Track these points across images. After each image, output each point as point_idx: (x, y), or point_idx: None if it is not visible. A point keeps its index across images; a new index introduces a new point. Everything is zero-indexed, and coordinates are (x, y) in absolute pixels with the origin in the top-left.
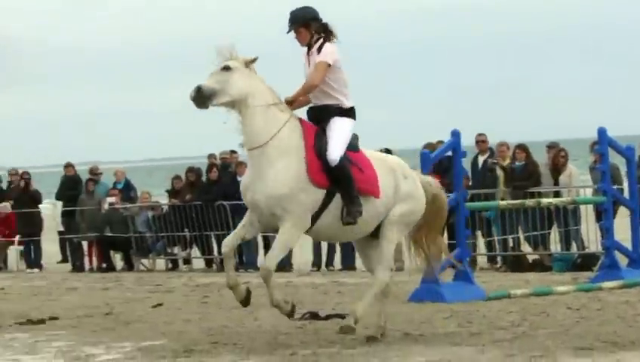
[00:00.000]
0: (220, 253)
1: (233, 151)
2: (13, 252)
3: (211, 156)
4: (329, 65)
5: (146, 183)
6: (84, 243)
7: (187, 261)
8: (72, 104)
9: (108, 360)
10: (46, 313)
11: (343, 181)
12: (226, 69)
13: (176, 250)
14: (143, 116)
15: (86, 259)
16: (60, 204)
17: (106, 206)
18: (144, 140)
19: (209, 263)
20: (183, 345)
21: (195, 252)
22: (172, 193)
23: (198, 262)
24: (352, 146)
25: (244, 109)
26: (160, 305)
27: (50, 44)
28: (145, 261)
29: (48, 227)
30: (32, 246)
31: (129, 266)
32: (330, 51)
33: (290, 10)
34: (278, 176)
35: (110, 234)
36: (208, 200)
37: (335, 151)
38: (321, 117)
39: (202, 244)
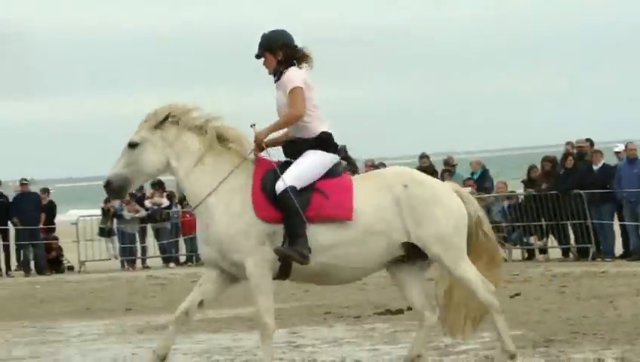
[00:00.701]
0: (576, 241)
1: (589, 140)
2: None
3: (568, 144)
4: (302, 89)
5: (502, 173)
6: None
7: (543, 250)
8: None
9: (467, 350)
10: (404, 303)
11: (283, 213)
12: (132, 146)
13: (532, 239)
14: (495, 104)
15: None
16: None
17: None
18: (500, 129)
19: (565, 253)
20: (542, 335)
21: (552, 241)
22: (528, 182)
23: (555, 252)
24: (332, 172)
25: (174, 174)
26: (517, 295)
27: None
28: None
29: None
30: None
31: None
32: (296, 75)
33: (262, 33)
34: (222, 220)
35: None
36: (564, 189)
37: (280, 183)
38: (293, 151)
39: (558, 234)
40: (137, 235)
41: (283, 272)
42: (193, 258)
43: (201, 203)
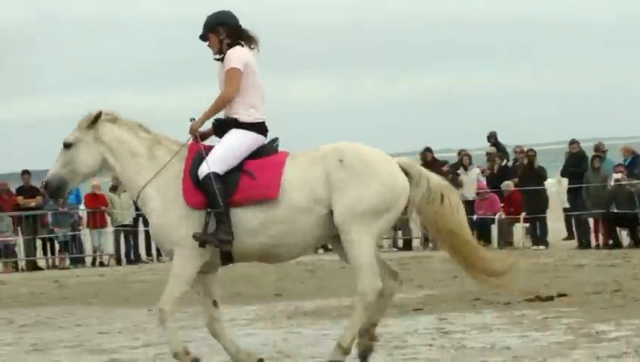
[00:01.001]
0: None
1: None
2: (519, 229)
3: None
4: (241, 72)
5: None
6: (590, 220)
7: None
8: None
9: (618, 337)
10: (554, 290)
11: (206, 197)
12: (67, 147)
13: None
14: None
15: (592, 236)
16: (565, 181)
17: (611, 182)
18: None
19: None
20: None
21: None
22: None
23: None
24: (263, 151)
25: (112, 170)
26: None
27: None
28: None
29: (554, 204)
30: (537, 224)
31: (636, 243)
32: (237, 56)
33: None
34: (156, 209)
35: (616, 211)
36: None
37: (203, 167)
38: (220, 131)
39: None
40: None
41: (225, 256)
42: None
43: (139, 195)
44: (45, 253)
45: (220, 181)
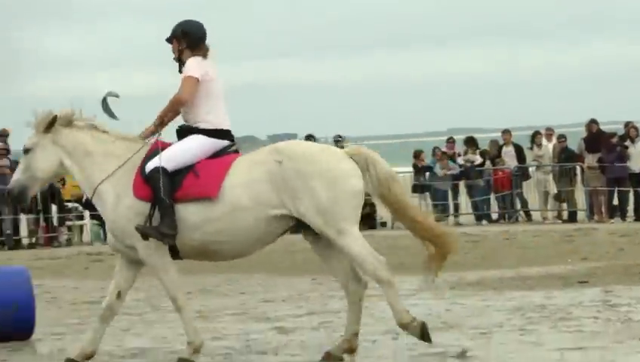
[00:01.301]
0: None
1: None
2: None
3: None
4: (198, 80)
5: None
6: None
7: None
8: None
9: None
10: None
11: (152, 191)
12: (26, 152)
13: None
14: None
15: None
16: None
17: None
18: None
19: None
20: None
21: None
22: None
23: None
24: (216, 154)
25: (70, 172)
26: None
27: None
28: None
29: None
30: None
31: None
32: (194, 65)
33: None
34: (109, 202)
35: None
36: None
37: (153, 161)
38: (183, 137)
39: None
40: (450, 192)
41: (172, 251)
42: (505, 216)
43: (94, 193)
44: None
45: (167, 176)
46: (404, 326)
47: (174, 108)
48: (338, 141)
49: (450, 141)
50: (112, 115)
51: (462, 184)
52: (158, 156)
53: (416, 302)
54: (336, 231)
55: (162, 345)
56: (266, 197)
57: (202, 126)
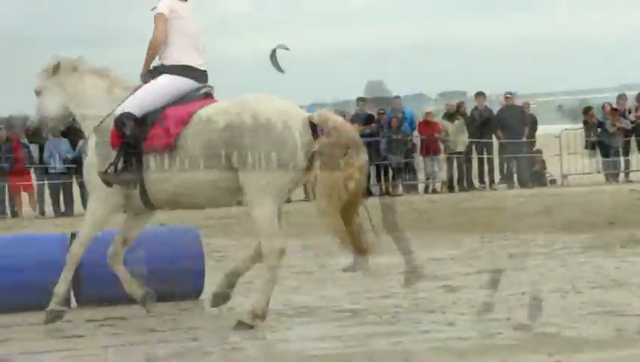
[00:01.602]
0: None
1: None
2: None
3: None
4: (165, 17)
5: None
6: None
7: None
8: None
9: None
10: None
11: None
12: (37, 94)
13: None
14: None
15: None
16: None
17: None
18: None
19: None
20: None
21: None
22: None
23: None
24: (187, 98)
25: (75, 115)
26: None
27: None
28: None
29: None
30: None
31: None
32: (163, 3)
33: None
34: (89, 151)
35: None
36: None
37: (121, 106)
38: (154, 78)
39: None
40: (620, 149)
41: (144, 201)
42: None
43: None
44: (379, 180)
45: (133, 122)
46: (254, 316)
47: (154, 52)
48: (508, 98)
49: (623, 98)
50: (279, 68)
51: (633, 140)
52: (125, 102)
53: (585, 259)
54: (252, 198)
55: (330, 304)
56: (221, 150)
57: (166, 62)
